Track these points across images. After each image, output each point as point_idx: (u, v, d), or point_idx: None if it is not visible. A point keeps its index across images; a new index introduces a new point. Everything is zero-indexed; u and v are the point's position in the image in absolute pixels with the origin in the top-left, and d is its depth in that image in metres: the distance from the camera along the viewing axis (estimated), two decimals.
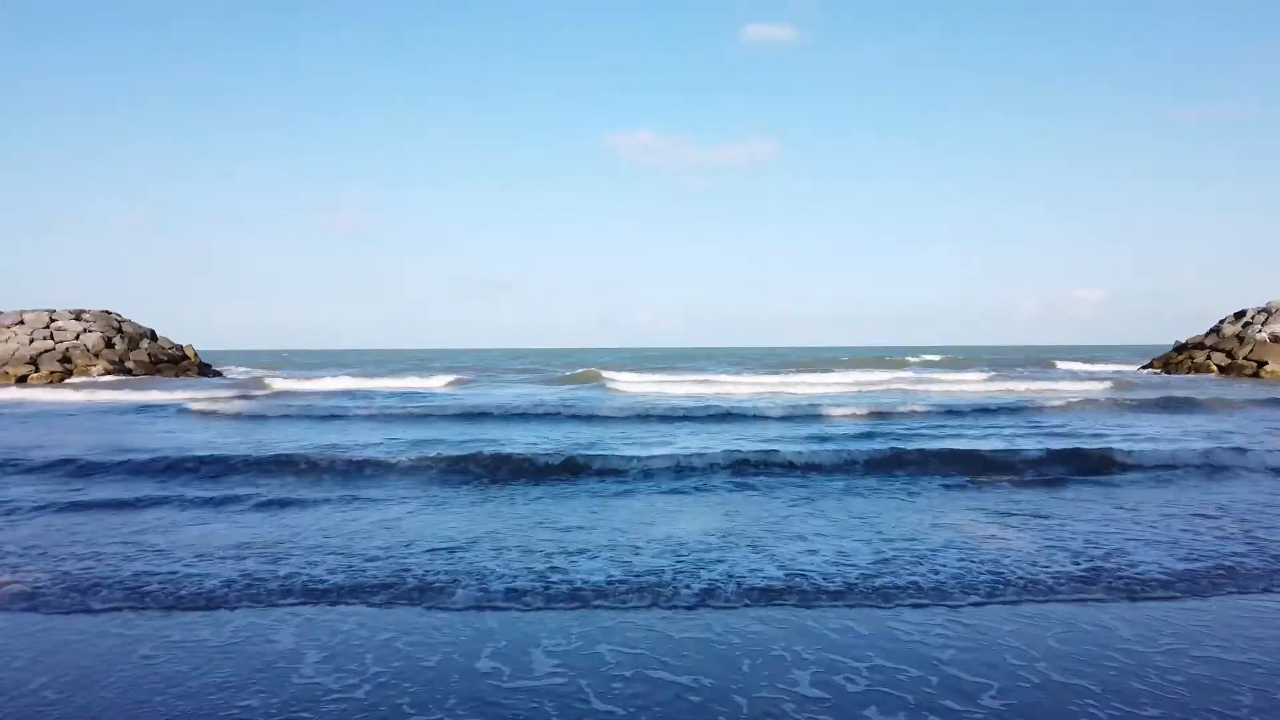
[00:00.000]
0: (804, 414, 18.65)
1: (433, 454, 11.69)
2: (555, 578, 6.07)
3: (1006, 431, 15.34)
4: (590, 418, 18.34)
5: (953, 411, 18.97)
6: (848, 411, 18.82)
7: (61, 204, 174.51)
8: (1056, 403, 20.88)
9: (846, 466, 11.24)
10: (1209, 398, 21.67)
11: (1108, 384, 29.10)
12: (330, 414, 19.07)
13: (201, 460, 11.36)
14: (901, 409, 19.30)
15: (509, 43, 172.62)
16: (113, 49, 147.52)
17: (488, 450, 11.97)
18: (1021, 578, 6.07)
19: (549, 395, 25.98)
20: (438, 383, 32.51)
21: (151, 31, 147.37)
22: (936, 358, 61.60)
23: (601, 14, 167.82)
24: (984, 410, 19.30)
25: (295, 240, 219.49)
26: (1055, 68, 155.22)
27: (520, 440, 14.26)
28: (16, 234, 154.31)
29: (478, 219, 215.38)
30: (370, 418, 18.52)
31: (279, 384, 31.75)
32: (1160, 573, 6.19)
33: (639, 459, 11.38)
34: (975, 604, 5.48)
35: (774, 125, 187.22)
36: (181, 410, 19.79)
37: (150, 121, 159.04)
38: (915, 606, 5.44)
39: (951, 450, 11.94)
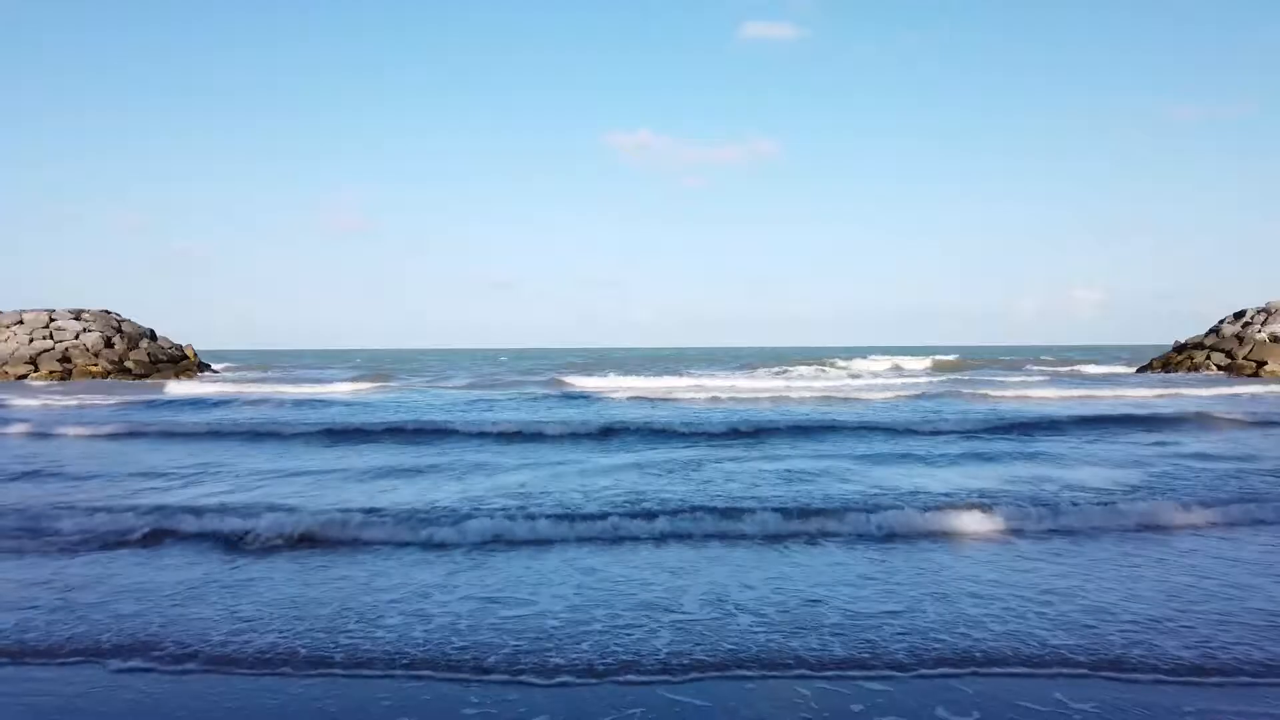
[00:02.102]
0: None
1: None
2: None
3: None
4: (453, 434, 15.82)
5: (1054, 425, 15.93)
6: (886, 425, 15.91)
7: (62, 204, 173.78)
8: (1187, 409, 18.30)
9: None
10: None
11: (1222, 390, 26.90)
12: (135, 430, 16.62)
13: None
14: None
15: (508, 43, 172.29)
16: (111, 48, 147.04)
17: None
18: None
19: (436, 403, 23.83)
20: (345, 389, 31.16)
21: (150, 30, 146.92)
22: (951, 357, 61.15)
23: (600, 13, 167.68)
24: (1118, 420, 16.10)
25: (296, 240, 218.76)
26: (1055, 67, 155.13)
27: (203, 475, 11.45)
28: (16, 234, 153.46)
29: (477, 219, 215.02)
30: (189, 436, 16.13)
31: (176, 389, 30.77)
32: None
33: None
34: None
35: (774, 124, 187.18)
36: None
37: (150, 121, 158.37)
38: None
39: None
